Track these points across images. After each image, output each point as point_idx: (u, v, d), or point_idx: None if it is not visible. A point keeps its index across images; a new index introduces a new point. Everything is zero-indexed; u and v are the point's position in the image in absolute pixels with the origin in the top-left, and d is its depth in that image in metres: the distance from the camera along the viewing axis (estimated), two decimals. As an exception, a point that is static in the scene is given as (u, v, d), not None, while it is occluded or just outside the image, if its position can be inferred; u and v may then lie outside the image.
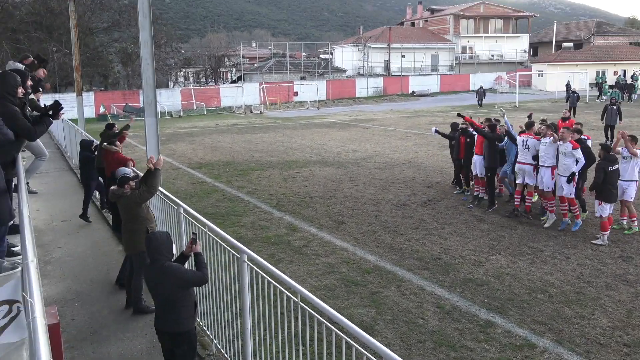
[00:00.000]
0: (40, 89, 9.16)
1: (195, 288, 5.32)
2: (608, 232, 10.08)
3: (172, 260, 5.08)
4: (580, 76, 49.52)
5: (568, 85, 48.59)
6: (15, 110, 5.76)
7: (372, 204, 13.28)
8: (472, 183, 13.75)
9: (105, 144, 10.09)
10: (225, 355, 5.89)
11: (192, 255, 5.24)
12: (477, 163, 12.84)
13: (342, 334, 3.75)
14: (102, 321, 6.98)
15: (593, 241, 10.11)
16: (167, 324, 4.97)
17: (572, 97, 33.17)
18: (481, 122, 13.15)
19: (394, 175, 16.43)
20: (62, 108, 5.95)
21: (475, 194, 13.21)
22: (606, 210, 10.01)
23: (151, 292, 5.19)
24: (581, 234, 10.59)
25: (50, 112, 6.65)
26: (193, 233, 5.49)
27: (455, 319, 7.17)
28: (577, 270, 8.74)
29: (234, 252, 5.35)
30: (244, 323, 5.26)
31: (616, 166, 10.11)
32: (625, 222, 10.75)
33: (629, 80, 48.66)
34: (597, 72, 53.86)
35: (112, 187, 7.29)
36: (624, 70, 54.72)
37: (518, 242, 10.23)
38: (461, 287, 8.21)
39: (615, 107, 21.65)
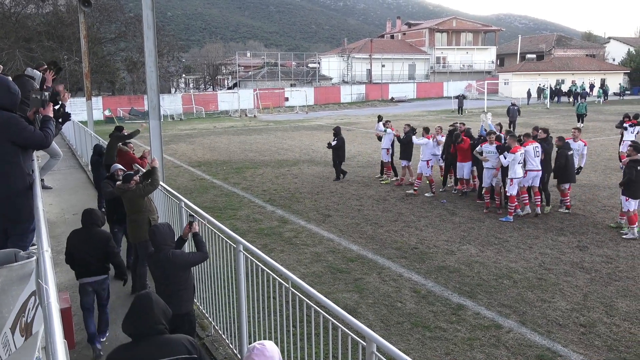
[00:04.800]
0: (59, 101, 8.86)
1: (194, 275, 5.29)
2: (636, 225, 9.73)
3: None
4: (541, 84, 49.90)
5: (529, 93, 48.93)
6: None
7: (355, 199, 13.29)
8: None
9: (120, 144, 10.08)
10: (223, 335, 5.87)
11: (192, 236, 5.20)
12: (465, 168, 12.92)
13: (328, 316, 3.75)
14: (110, 305, 6.91)
15: (624, 236, 9.79)
16: (170, 306, 4.92)
17: (512, 110, 26.67)
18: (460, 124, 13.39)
19: (375, 173, 16.45)
20: (69, 119, 5.89)
21: (463, 190, 13.37)
22: (632, 205, 9.67)
23: (155, 277, 5.15)
24: (542, 226, 10.68)
25: (60, 120, 6.64)
26: (191, 215, 5.38)
27: (430, 302, 7.21)
28: (538, 259, 8.82)
29: (230, 243, 5.34)
30: (239, 306, 5.26)
31: None
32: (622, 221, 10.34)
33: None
34: (557, 81, 54.33)
35: (118, 183, 7.23)
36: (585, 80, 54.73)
37: (486, 233, 10.30)
38: (435, 273, 8.25)
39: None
